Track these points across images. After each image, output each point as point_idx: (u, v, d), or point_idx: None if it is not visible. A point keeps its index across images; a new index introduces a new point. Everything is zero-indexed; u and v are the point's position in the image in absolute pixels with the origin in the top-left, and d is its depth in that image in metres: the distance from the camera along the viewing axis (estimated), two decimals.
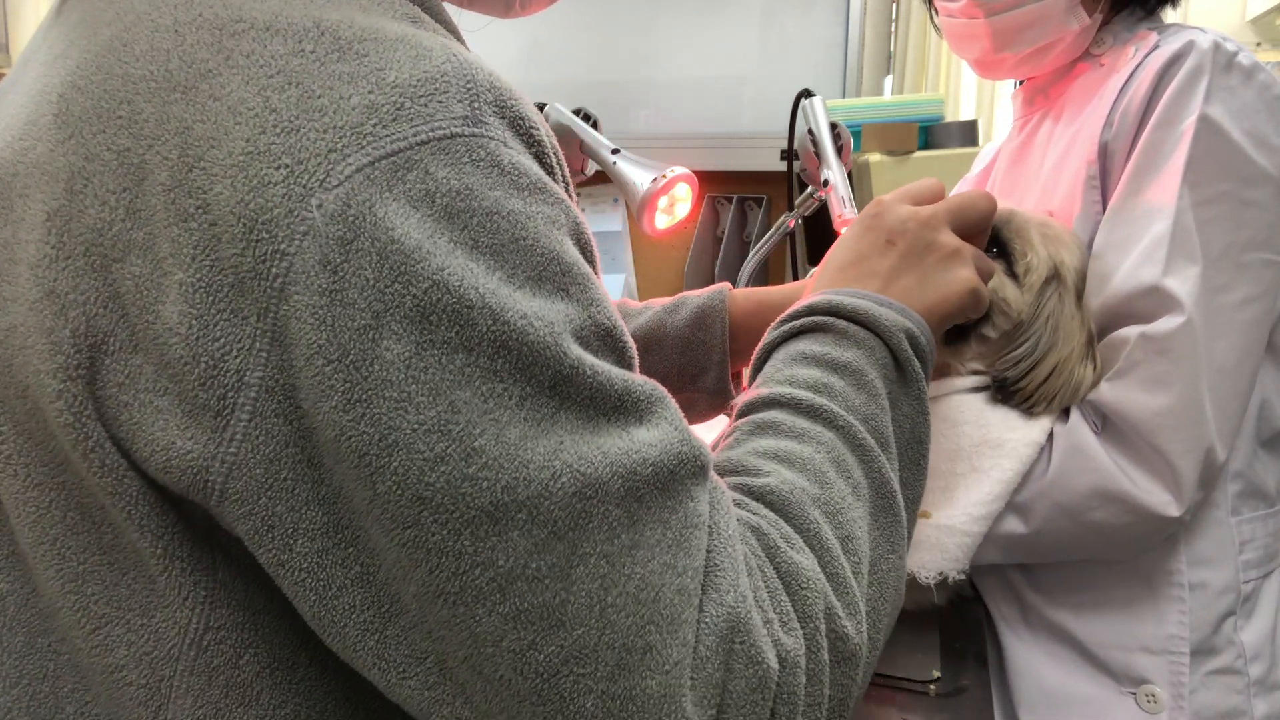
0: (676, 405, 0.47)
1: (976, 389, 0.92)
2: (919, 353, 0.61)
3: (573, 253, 0.44)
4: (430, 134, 0.40)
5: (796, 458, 0.54)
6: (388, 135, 0.40)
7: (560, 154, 0.48)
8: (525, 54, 2.07)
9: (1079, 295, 0.90)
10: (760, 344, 0.64)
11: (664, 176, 1.30)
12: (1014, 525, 0.90)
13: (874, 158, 1.67)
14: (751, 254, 1.67)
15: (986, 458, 0.90)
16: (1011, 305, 0.87)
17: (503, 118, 0.43)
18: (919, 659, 0.92)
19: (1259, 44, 2.74)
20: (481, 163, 0.41)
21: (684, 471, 0.44)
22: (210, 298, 0.39)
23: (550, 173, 0.46)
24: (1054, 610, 0.95)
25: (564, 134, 1.40)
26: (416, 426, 0.38)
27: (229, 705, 0.44)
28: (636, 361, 0.47)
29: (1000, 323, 0.88)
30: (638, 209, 1.32)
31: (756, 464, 0.53)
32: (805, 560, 0.49)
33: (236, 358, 0.39)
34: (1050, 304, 0.88)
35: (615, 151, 1.35)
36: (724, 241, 1.94)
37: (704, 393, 0.92)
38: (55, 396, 0.42)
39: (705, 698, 0.42)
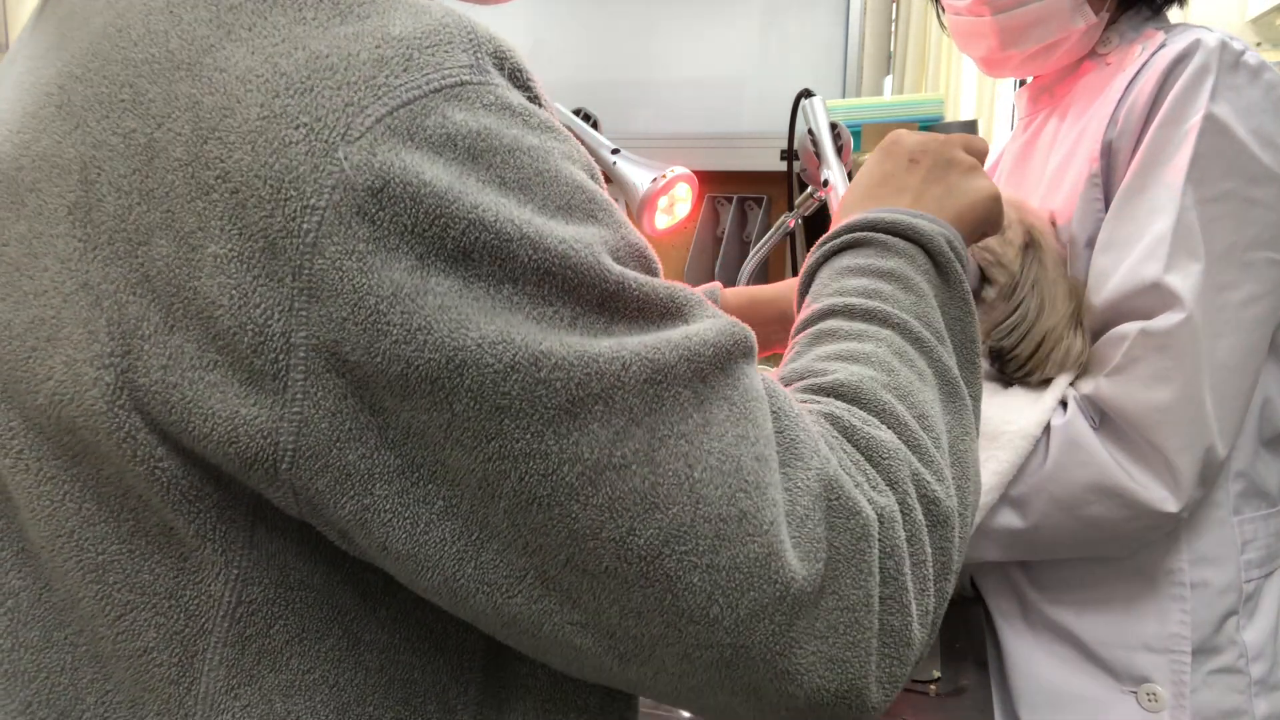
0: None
1: None
2: (959, 257, 0.64)
3: (592, 181, 0.46)
4: (442, 81, 0.41)
5: (859, 354, 0.55)
6: (401, 85, 0.40)
7: (553, 108, 0.49)
8: (526, 54, 2.07)
9: (1059, 263, 0.90)
10: (804, 266, 0.66)
11: (664, 176, 1.30)
12: (1011, 520, 0.90)
13: None
14: (751, 254, 1.66)
15: (982, 449, 0.90)
16: (1005, 262, 0.87)
17: (502, 69, 0.44)
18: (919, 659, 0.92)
19: (1259, 44, 2.74)
20: (493, 106, 0.42)
21: (738, 351, 0.46)
22: (245, 265, 0.40)
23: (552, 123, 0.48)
24: (1055, 609, 0.96)
25: None
26: (480, 342, 0.39)
27: (260, 672, 0.45)
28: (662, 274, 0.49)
29: (998, 276, 0.88)
30: (638, 209, 1.32)
31: (821, 366, 0.55)
32: (884, 435, 0.50)
33: (279, 320, 0.39)
34: (1033, 270, 0.88)
35: (615, 151, 1.35)
36: (724, 241, 1.94)
37: None
38: (91, 384, 0.42)
39: (810, 553, 0.44)
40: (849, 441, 0.50)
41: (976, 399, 0.62)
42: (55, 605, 0.47)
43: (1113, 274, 0.89)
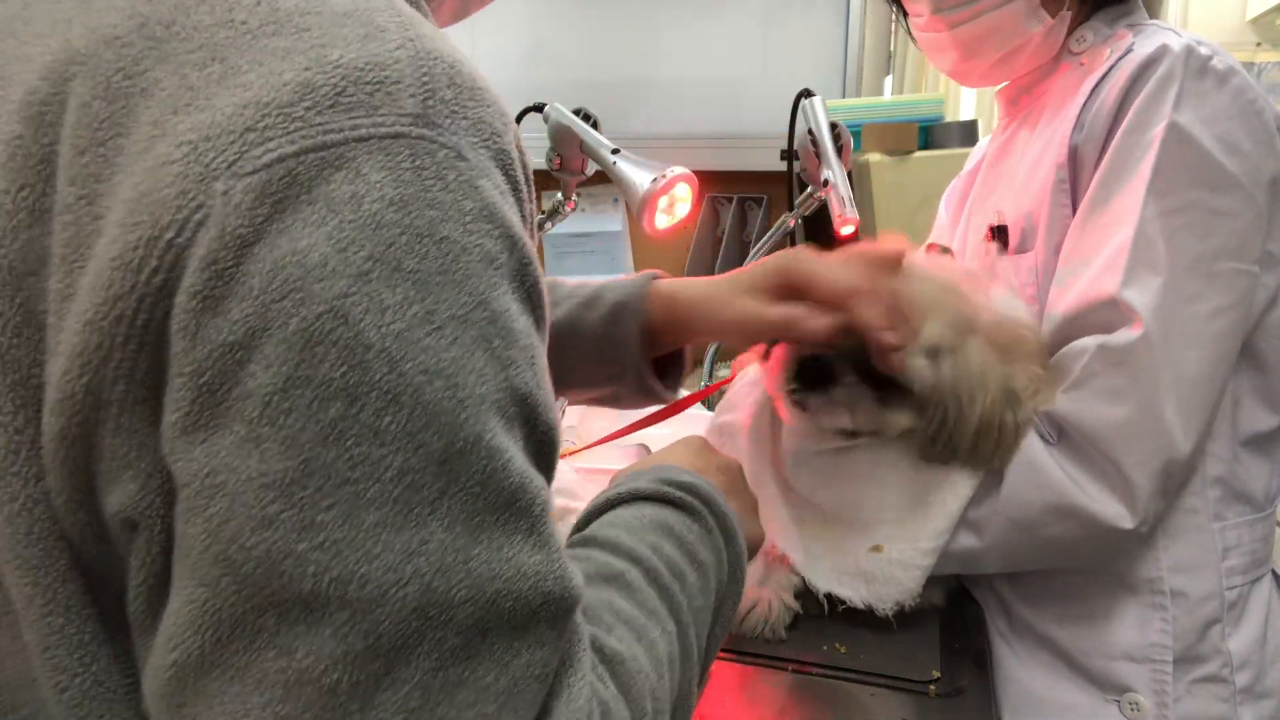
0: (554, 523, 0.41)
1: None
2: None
3: (504, 300, 0.38)
4: (371, 129, 0.34)
5: (646, 637, 0.50)
6: (321, 124, 0.34)
7: (527, 159, 0.43)
8: (526, 54, 2.07)
9: (979, 347, 0.87)
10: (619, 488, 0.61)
11: (664, 176, 1.30)
12: (968, 541, 0.90)
13: (874, 158, 1.67)
14: (751, 254, 1.66)
15: (932, 493, 0.90)
16: (915, 377, 0.84)
17: (464, 118, 0.37)
18: (919, 659, 0.92)
19: (1259, 44, 2.74)
20: (425, 173, 0.35)
21: (545, 614, 0.38)
22: (89, 307, 0.34)
23: (514, 185, 0.40)
24: (1039, 618, 0.95)
25: (564, 134, 1.40)
26: (255, 477, 0.33)
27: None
28: (555, 436, 0.41)
29: (914, 387, 0.85)
30: (638, 209, 1.32)
31: (610, 620, 0.49)
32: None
33: (119, 382, 0.34)
34: (946, 370, 0.85)
35: (615, 151, 1.35)
36: (724, 241, 1.94)
37: (627, 390, 0.88)
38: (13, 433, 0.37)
39: None
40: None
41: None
42: None
43: (1073, 286, 0.88)
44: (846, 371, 0.86)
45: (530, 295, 0.40)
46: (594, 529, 0.57)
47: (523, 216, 0.41)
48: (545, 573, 0.38)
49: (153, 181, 0.33)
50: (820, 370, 0.87)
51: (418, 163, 0.35)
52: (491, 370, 0.36)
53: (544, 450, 0.40)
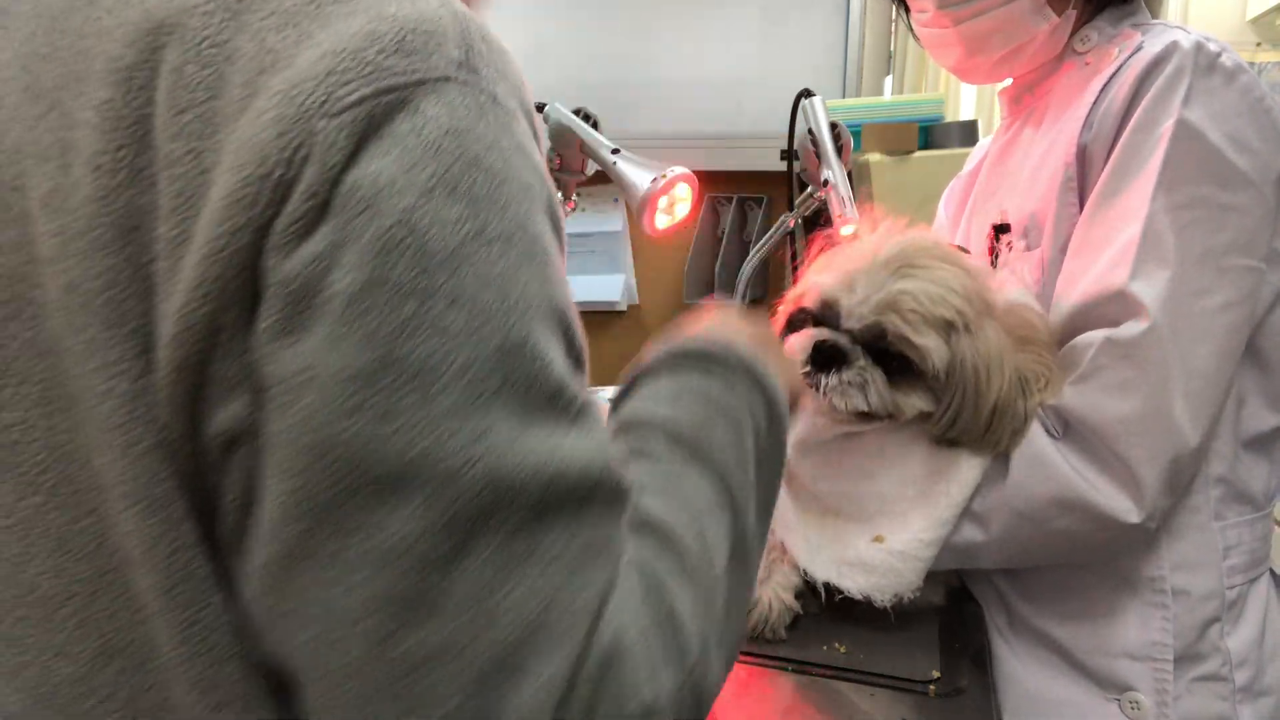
0: (604, 419, 0.45)
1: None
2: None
3: (541, 225, 0.43)
4: (427, 73, 0.40)
5: (682, 497, 0.52)
6: (389, 67, 0.39)
7: (536, 118, 0.47)
8: (526, 54, 2.07)
9: (994, 329, 0.88)
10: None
11: (664, 176, 1.30)
12: (972, 534, 0.90)
13: (874, 158, 1.67)
14: (751, 254, 1.66)
15: (936, 484, 0.90)
16: (929, 355, 0.85)
17: (496, 69, 0.42)
18: (919, 659, 0.92)
19: (1259, 44, 2.74)
20: (472, 110, 0.40)
21: (600, 495, 0.42)
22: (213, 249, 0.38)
23: (534, 134, 0.46)
24: (1039, 617, 0.95)
25: (564, 134, 1.40)
26: (340, 370, 0.37)
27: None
28: (585, 354, 0.46)
29: (927, 367, 0.86)
30: (638, 209, 1.32)
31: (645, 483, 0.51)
32: (683, 604, 0.46)
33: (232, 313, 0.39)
34: (962, 348, 0.86)
35: (615, 151, 1.35)
36: (724, 241, 1.94)
37: None
38: (103, 396, 0.40)
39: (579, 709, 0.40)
40: (653, 603, 0.45)
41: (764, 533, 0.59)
42: (70, 676, 0.44)
43: (1081, 279, 0.88)
44: (859, 354, 0.87)
45: (556, 227, 0.45)
46: (621, 415, 0.58)
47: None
48: (596, 459, 0.42)
49: (254, 130, 0.38)
50: (833, 352, 0.88)
51: (466, 102, 0.40)
52: (535, 285, 0.41)
53: (579, 364, 0.45)
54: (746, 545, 0.55)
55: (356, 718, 0.39)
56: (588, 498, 0.41)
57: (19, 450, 0.42)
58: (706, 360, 0.59)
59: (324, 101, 0.38)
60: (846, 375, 0.87)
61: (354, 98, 0.38)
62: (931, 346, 0.85)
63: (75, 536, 0.42)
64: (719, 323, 0.67)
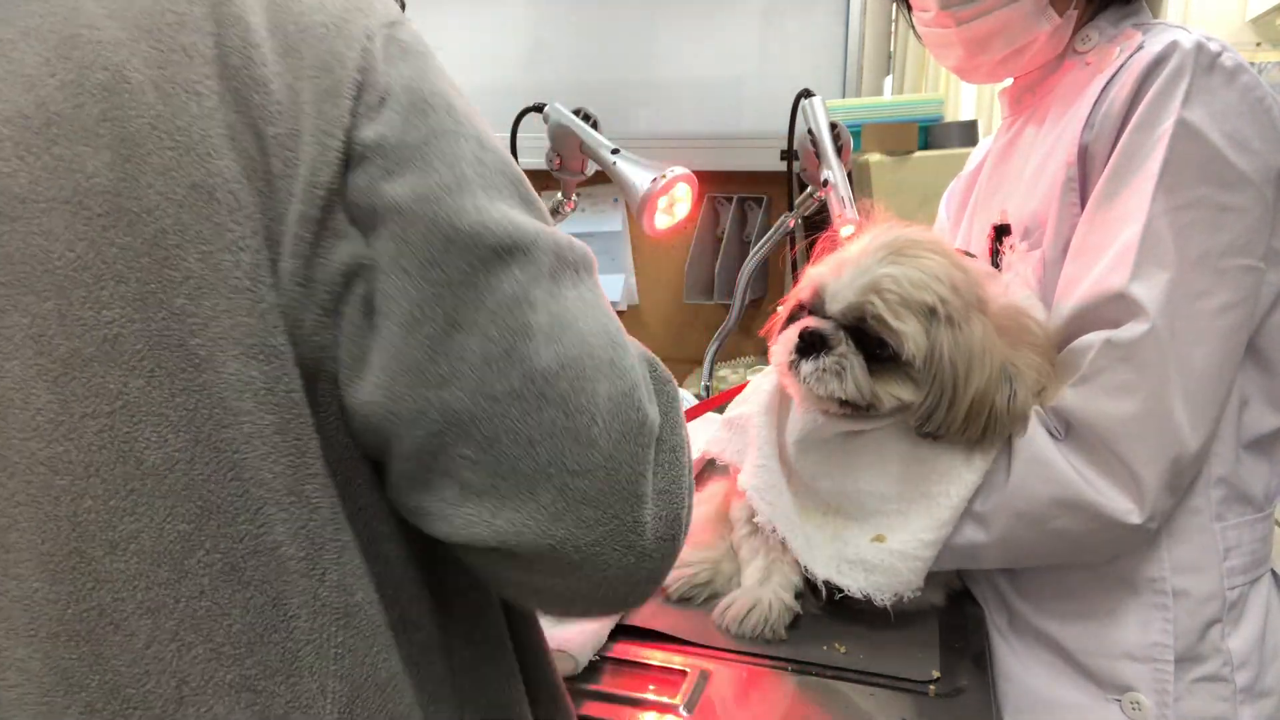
0: None
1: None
2: None
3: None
4: (390, 16, 0.56)
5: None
6: (383, 8, 0.56)
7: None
8: (526, 54, 2.07)
9: (977, 319, 0.87)
10: None
11: (664, 176, 1.31)
12: (974, 534, 0.90)
13: (874, 158, 1.67)
14: (751, 254, 1.67)
15: (936, 484, 0.90)
16: (908, 342, 0.85)
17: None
18: (919, 659, 0.92)
19: (1259, 44, 2.74)
20: (419, 40, 0.57)
21: (590, 260, 0.57)
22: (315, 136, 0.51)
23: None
24: (1040, 618, 0.95)
25: (564, 134, 1.40)
26: (439, 185, 0.51)
27: (370, 557, 0.53)
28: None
29: (907, 355, 0.86)
30: (638, 209, 1.32)
31: None
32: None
33: (327, 172, 0.50)
34: (941, 338, 0.85)
35: (615, 151, 1.35)
36: (724, 241, 1.94)
37: None
38: (233, 268, 0.49)
39: (653, 400, 0.55)
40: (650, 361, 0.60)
41: None
42: (181, 534, 0.49)
43: (1081, 281, 0.88)
44: (841, 339, 0.87)
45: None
46: None
47: None
48: (574, 239, 0.56)
49: (321, 52, 0.52)
50: (814, 338, 0.88)
51: (414, 33, 0.57)
52: (494, 148, 0.56)
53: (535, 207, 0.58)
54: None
55: (526, 427, 0.49)
56: (591, 265, 0.57)
57: (120, 343, 0.49)
58: None
59: (369, 30, 0.54)
60: (824, 361, 0.87)
61: (381, 22, 0.55)
62: (909, 331, 0.85)
63: (174, 411, 0.49)
64: None
